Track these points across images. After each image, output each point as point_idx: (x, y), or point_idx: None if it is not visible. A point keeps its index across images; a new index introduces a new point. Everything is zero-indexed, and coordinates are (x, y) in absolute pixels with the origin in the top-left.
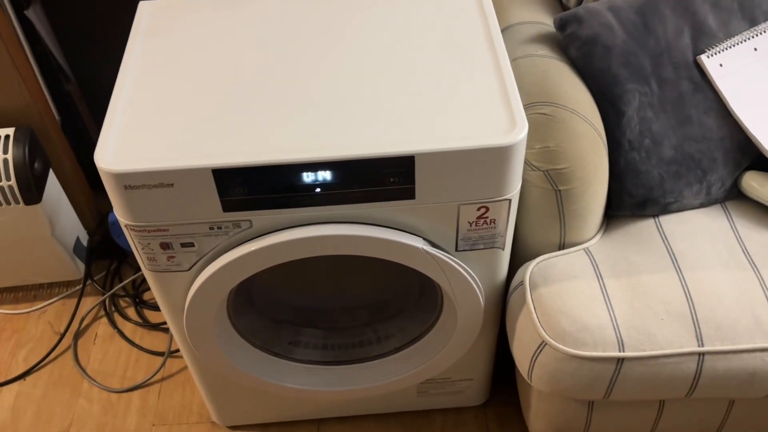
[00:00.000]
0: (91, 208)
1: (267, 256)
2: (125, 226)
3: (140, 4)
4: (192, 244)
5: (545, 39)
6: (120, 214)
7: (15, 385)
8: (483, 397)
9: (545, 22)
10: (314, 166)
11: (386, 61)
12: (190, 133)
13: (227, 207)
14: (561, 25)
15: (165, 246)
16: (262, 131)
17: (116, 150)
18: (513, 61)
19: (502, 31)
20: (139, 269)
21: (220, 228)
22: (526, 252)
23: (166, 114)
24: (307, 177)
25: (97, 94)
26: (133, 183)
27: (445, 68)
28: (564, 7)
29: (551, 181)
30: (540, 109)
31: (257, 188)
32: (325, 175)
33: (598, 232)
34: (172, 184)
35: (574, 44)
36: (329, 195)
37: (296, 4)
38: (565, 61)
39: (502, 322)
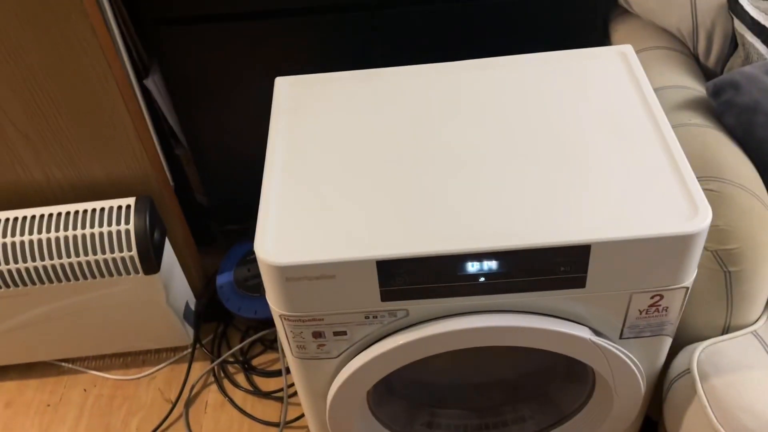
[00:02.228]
0: (199, 271)
1: (422, 348)
2: (279, 315)
3: (277, 80)
4: (345, 333)
5: (695, 105)
6: (276, 304)
7: None
8: None
9: (688, 85)
10: (481, 256)
11: (543, 139)
12: (349, 221)
13: (386, 297)
14: (715, 91)
15: (317, 335)
16: (424, 217)
17: (276, 240)
18: None
19: None
20: (246, 335)
21: (376, 317)
22: (686, 334)
23: (321, 200)
24: (472, 267)
25: (205, 157)
26: (295, 275)
27: (609, 146)
28: (704, 68)
29: (720, 262)
30: (705, 185)
31: (419, 278)
32: (491, 265)
33: (763, 314)
34: (334, 276)
35: (732, 112)
36: (492, 284)
37: (440, 76)
38: (722, 130)
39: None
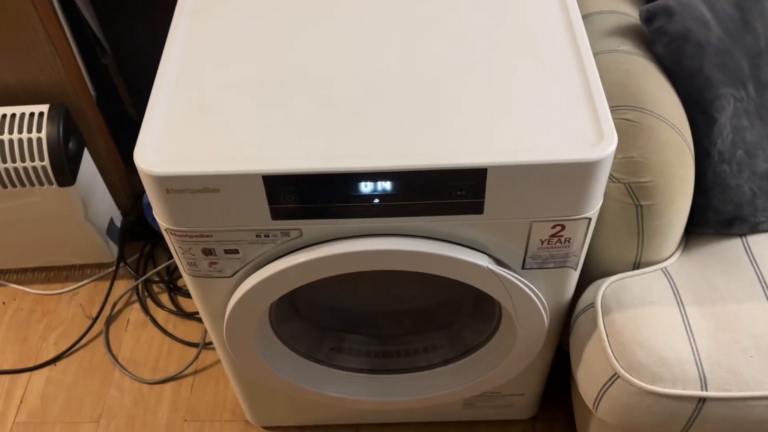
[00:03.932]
0: (125, 188)
1: (317, 269)
2: (165, 229)
3: None
4: (236, 251)
5: (628, 32)
6: (160, 217)
7: (45, 371)
8: (532, 411)
9: (626, 11)
10: (375, 176)
11: (455, 58)
12: (239, 133)
13: (277, 215)
14: (648, 17)
15: (207, 252)
16: (319, 134)
17: (158, 149)
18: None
19: None
20: None
21: (268, 236)
22: (596, 268)
23: (212, 110)
24: (366, 187)
25: (134, 67)
26: (176, 187)
27: (522, 67)
28: None
29: (632, 195)
30: (624, 114)
31: (311, 197)
32: (386, 186)
33: (676, 251)
34: (218, 190)
35: (662, 40)
36: (388, 206)
37: None
38: (651, 59)
39: (561, 337)
